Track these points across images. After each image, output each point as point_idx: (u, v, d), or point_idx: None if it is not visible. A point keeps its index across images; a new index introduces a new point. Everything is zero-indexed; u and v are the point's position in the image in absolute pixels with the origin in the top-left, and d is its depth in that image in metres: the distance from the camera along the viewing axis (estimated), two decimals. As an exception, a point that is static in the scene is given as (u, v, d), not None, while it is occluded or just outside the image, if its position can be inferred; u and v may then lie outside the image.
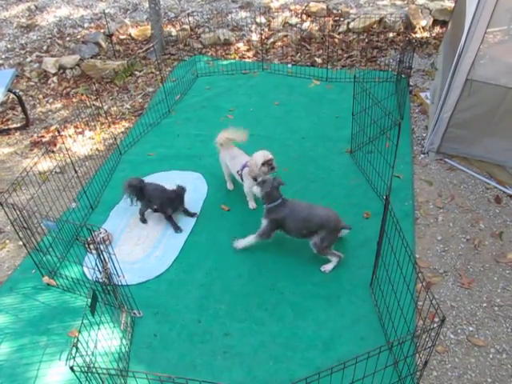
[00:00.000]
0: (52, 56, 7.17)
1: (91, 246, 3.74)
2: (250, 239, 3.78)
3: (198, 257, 3.87)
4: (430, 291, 2.51)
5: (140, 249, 3.98)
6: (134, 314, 3.40)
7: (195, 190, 4.55)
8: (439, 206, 4.20)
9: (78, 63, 6.87)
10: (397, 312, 3.01)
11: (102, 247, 2.90)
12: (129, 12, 8.44)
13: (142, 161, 5.00)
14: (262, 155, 3.89)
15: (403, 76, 5.36)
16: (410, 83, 5.83)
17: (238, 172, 4.17)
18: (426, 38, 6.91)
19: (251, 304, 3.46)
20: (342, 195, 4.38)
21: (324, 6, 7.76)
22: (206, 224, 4.17)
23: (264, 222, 3.73)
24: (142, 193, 4.12)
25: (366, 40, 7.04)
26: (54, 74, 6.80)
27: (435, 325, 2.40)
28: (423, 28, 7.02)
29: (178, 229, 4.08)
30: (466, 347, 3.12)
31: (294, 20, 7.61)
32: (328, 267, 3.64)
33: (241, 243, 3.82)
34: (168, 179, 4.68)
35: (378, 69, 6.27)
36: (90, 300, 2.68)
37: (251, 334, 3.27)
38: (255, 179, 3.91)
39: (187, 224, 4.18)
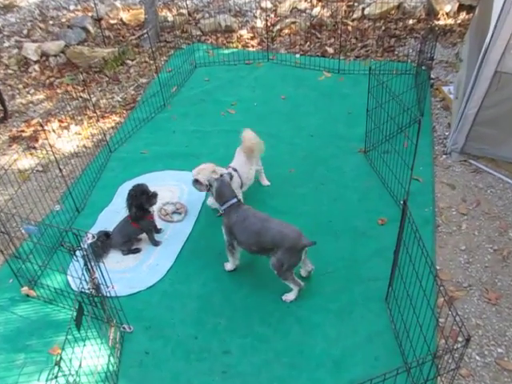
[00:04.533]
0: (33, 41, 7.18)
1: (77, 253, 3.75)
2: (229, 258, 3.75)
3: (195, 266, 3.88)
4: (453, 307, 2.51)
5: (131, 256, 3.99)
6: (124, 328, 3.41)
7: (192, 192, 4.55)
8: (463, 212, 4.20)
9: (63, 50, 6.90)
10: (415, 329, 3.01)
11: (89, 254, 2.91)
12: (120, -5, 8.49)
13: (133, 159, 5.02)
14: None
15: (424, 68, 5.37)
16: (432, 76, 5.83)
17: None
18: (450, 25, 6.92)
19: (253, 318, 3.47)
20: (354, 199, 4.39)
21: (336, -10, 7.79)
22: (205, 230, 4.18)
23: (223, 231, 3.67)
24: None
25: (383, 28, 7.06)
26: (36, 62, 6.82)
27: (459, 345, 2.40)
28: (447, 14, 7.03)
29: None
30: (495, 371, 3.11)
31: (303, 5, 7.64)
32: (290, 297, 3.55)
33: (228, 264, 3.81)
34: (162, 180, 4.71)
35: (396, 60, 6.29)
36: (75, 313, 2.69)
37: (253, 352, 3.27)
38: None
39: (184, 230, 4.19)
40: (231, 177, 3.79)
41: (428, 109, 5.36)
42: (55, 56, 6.84)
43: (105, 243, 3.96)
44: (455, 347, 2.39)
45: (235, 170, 4.17)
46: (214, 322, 3.46)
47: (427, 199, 4.29)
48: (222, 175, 3.74)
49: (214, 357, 3.25)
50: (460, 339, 3.16)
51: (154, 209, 4.27)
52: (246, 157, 4.25)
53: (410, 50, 6.38)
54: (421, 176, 4.51)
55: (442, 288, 2.54)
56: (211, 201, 3.71)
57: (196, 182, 3.92)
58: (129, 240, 4.01)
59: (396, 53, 6.52)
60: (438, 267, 3.72)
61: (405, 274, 3.17)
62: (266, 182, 4.60)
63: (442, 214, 4.20)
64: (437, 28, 6.74)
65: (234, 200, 3.58)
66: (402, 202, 2.98)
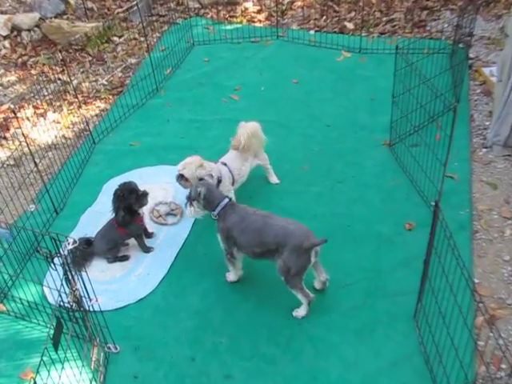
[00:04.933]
0: (2, 13, 7.19)
1: (55, 261, 3.77)
2: (230, 268, 3.78)
3: (192, 276, 3.89)
4: (495, 327, 2.50)
5: (118, 265, 4.01)
6: (109, 348, 3.42)
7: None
8: (506, 216, 4.19)
9: (38, 24, 6.91)
10: (449, 353, 3.00)
11: (69, 262, 2.92)
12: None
13: (121, 152, 5.05)
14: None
15: (461, 46, 5.35)
16: (470, 55, 5.82)
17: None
18: (494, -6, 6.90)
19: (260, 337, 3.47)
20: (377, 200, 4.39)
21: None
22: (203, 234, 4.20)
23: (219, 238, 3.70)
24: None
25: (413, -2, 7.06)
26: (6, 37, 6.84)
27: (502, 373, 2.39)
28: (489, -19, 7.01)
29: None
30: (542, 402, 3.10)
31: (318, -27, 7.64)
32: (300, 312, 3.56)
33: (230, 275, 3.83)
34: (155, 176, 4.73)
35: (428, 37, 6.28)
36: (52, 330, 2.70)
37: (259, 377, 3.27)
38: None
39: (179, 234, 4.21)
40: (214, 177, 3.84)
41: (465, 94, 5.35)
42: (29, 31, 6.85)
43: (86, 252, 3.98)
44: (498, 376, 2.39)
45: (225, 164, 4.22)
46: (213, 341, 3.46)
47: (463, 200, 4.28)
48: (201, 179, 3.80)
49: (214, 382, 3.25)
50: (503, 366, 3.16)
51: (145, 210, 4.28)
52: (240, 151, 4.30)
53: (445, 25, 6.36)
54: (456, 173, 4.50)
55: (481, 305, 2.53)
56: (191, 212, 3.71)
57: (181, 177, 3.99)
58: (114, 246, 4.03)
59: (428, 28, 6.51)
60: (476, 280, 3.71)
61: (436, 287, 3.17)
62: (274, 180, 4.61)
63: (480, 217, 4.19)
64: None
65: (226, 200, 3.61)
66: (433, 204, 2.98)
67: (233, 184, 4.27)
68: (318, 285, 3.68)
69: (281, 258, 3.42)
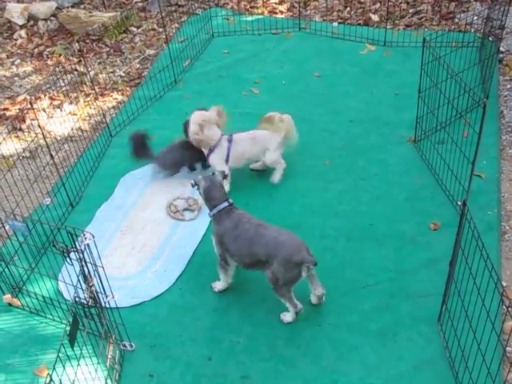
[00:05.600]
0: (19, 1, 7.26)
1: (71, 256, 3.80)
2: (221, 276, 3.74)
3: (209, 273, 3.89)
4: (524, 332, 2.47)
5: (134, 260, 4.03)
6: (124, 346, 3.44)
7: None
8: (535, 216, 4.15)
9: (55, 13, 6.96)
10: (476, 359, 2.96)
11: (86, 257, 2.94)
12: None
13: (138, 145, 5.06)
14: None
15: (491, 39, 5.28)
16: (501, 49, 5.76)
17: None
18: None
19: (278, 338, 3.47)
20: (401, 198, 4.36)
21: None
22: (221, 231, 4.20)
23: (213, 241, 3.67)
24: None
25: (441, -11, 6.99)
26: (22, 27, 6.90)
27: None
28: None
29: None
30: None
31: (342, -37, 7.59)
32: (286, 317, 3.54)
33: (218, 284, 3.79)
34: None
35: (456, 29, 6.21)
36: (68, 326, 2.72)
37: (277, 378, 3.27)
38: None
39: (197, 230, 4.22)
40: (225, 176, 3.80)
41: (495, 90, 5.29)
42: (45, 20, 6.90)
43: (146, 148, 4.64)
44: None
45: (230, 140, 4.40)
46: (231, 340, 3.47)
47: (491, 200, 4.24)
48: (213, 173, 3.76)
49: (231, 382, 3.26)
50: (532, 372, 3.14)
51: (162, 205, 4.32)
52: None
53: (475, 17, 6.29)
54: (484, 172, 4.45)
55: (510, 309, 2.50)
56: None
57: (186, 124, 4.42)
58: (175, 165, 4.63)
59: (456, 20, 6.44)
60: (504, 284, 3.67)
61: (463, 290, 3.13)
62: (274, 179, 4.57)
63: (509, 218, 4.15)
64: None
65: (225, 204, 3.59)
66: (460, 203, 2.95)
67: (227, 162, 4.43)
68: (313, 299, 3.61)
69: (270, 268, 3.39)
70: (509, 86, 5.40)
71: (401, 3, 6.84)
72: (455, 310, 3.26)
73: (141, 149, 4.65)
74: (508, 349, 3.21)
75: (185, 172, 4.69)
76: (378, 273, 3.81)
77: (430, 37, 4.32)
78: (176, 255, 4.04)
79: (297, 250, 3.33)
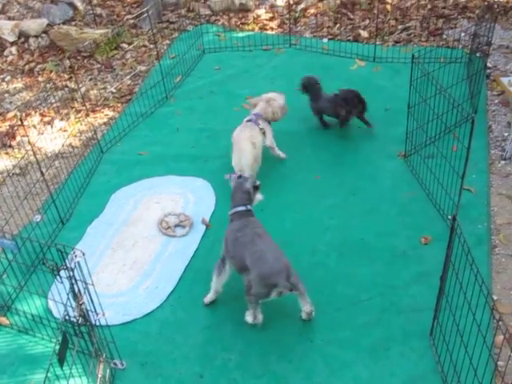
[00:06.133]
0: (9, 18, 7.26)
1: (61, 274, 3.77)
2: (212, 279, 3.75)
3: (201, 289, 3.87)
4: (516, 347, 2.48)
5: (125, 277, 4.01)
6: (115, 364, 3.41)
7: (199, 200, 4.59)
8: (525, 230, 4.16)
9: (46, 30, 6.98)
10: (468, 373, 2.97)
11: (76, 275, 2.92)
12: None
13: (130, 162, 5.07)
14: (280, 95, 4.92)
15: (479, 55, 5.34)
16: (488, 64, 5.82)
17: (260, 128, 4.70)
18: (513, 1, 6.89)
19: (271, 354, 3.46)
20: (392, 213, 4.37)
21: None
22: (214, 246, 4.18)
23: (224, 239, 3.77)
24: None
25: (429, 6, 7.06)
26: (13, 44, 6.90)
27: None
28: (508, -12, 7.02)
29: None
30: None
31: (331, -20, 7.68)
32: (247, 318, 3.59)
33: (208, 296, 3.78)
34: (164, 187, 4.74)
35: (445, 45, 6.27)
36: (57, 345, 2.70)
37: (270, 396, 3.25)
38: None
39: (188, 246, 4.21)
40: (256, 186, 3.83)
41: (483, 105, 5.33)
42: (36, 37, 6.91)
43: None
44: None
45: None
46: (223, 357, 3.45)
47: (481, 214, 4.26)
48: (240, 176, 3.86)
49: (223, 400, 3.25)
50: (524, 387, 3.13)
51: (153, 221, 4.32)
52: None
53: (462, 34, 6.36)
54: (473, 186, 4.47)
55: (501, 323, 2.51)
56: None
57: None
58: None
59: (444, 37, 6.51)
60: (494, 297, 3.68)
61: (454, 304, 3.14)
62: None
63: (499, 232, 4.16)
64: (496, 5, 6.68)
65: (242, 208, 3.69)
66: (450, 218, 2.96)
67: None
68: (303, 315, 3.61)
69: (248, 276, 3.45)
70: (496, 101, 5.44)
71: (390, 20, 6.90)
72: (447, 324, 3.26)
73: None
74: (500, 363, 3.20)
75: (176, 188, 4.70)
76: (369, 288, 3.81)
77: (418, 53, 4.36)
78: (167, 272, 4.03)
79: (275, 272, 3.35)
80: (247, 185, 3.76)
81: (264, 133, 4.69)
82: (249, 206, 3.73)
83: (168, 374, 3.39)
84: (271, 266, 3.38)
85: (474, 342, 2.88)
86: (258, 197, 3.87)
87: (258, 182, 3.86)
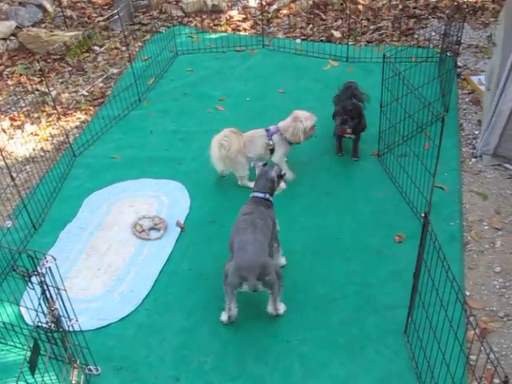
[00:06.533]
0: (-24, 21, 7.15)
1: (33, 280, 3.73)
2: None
3: (177, 292, 3.87)
4: (486, 341, 2.51)
5: (100, 282, 3.98)
6: (90, 370, 3.38)
7: (174, 204, 4.57)
8: (497, 226, 4.22)
9: (15, 32, 6.89)
10: (441, 368, 3.00)
11: (48, 281, 2.89)
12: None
13: (103, 165, 5.03)
14: (310, 116, 4.66)
15: (449, 54, 5.41)
16: (459, 63, 5.89)
17: (267, 142, 4.64)
18: (482, 1, 6.99)
19: (247, 356, 3.46)
20: (366, 212, 4.41)
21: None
22: (189, 249, 4.19)
23: None
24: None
25: (400, 6, 7.14)
26: (-20, 47, 6.81)
27: (494, 387, 2.40)
28: (477, -11, 7.13)
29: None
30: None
31: (304, -19, 7.71)
32: (222, 317, 3.63)
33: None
34: (137, 190, 4.72)
35: (416, 45, 6.35)
36: (29, 353, 2.66)
37: (246, 397, 3.26)
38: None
39: (163, 249, 4.19)
40: (281, 175, 3.89)
41: (454, 103, 5.40)
42: (4, 40, 6.82)
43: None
44: (489, 390, 2.39)
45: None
46: (199, 360, 3.45)
47: (453, 211, 4.32)
48: (265, 164, 3.92)
49: (200, 403, 3.24)
50: (496, 381, 3.18)
51: (127, 224, 4.29)
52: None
53: (433, 33, 6.44)
54: (445, 184, 4.53)
55: (472, 319, 2.54)
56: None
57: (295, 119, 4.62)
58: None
59: (416, 36, 6.58)
60: (467, 293, 3.73)
61: (427, 301, 3.18)
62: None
63: (471, 228, 4.22)
64: (465, 6, 6.79)
65: (261, 195, 3.74)
66: (423, 215, 2.99)
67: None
68: (269, 310, 3.63)
69: (229, 262, 3.51)
70: (467, 100, 5.52)
71: (362, 20, 6.96)
72: (420, 321, 3.30)
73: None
74: (471, 357, 3.25)
75: (150, 191, 4.68)
76: (344, 286, 3.84)
77: (390, 52, 4.40)
78: (142, 275, 4.00)
79: (247, 266, 3.37)
80: (272, 173, 3.81)
81: (272, 149, 4.65)
82: (267, 196, 3.76)
83: (144, 378, 3.37)
84: (247, 259, 3.39)
85: (446, 337, 2.92)
86: (282, 185, 3.93)
87: (283, 172, 3.91)
